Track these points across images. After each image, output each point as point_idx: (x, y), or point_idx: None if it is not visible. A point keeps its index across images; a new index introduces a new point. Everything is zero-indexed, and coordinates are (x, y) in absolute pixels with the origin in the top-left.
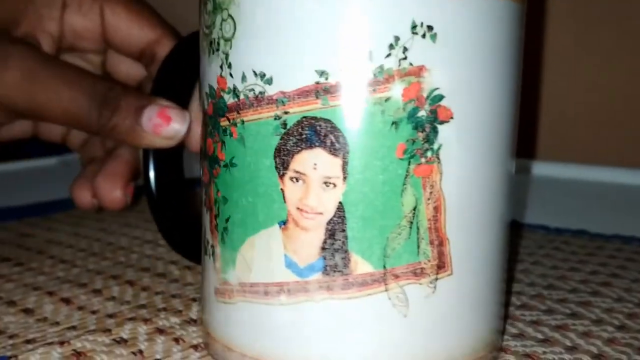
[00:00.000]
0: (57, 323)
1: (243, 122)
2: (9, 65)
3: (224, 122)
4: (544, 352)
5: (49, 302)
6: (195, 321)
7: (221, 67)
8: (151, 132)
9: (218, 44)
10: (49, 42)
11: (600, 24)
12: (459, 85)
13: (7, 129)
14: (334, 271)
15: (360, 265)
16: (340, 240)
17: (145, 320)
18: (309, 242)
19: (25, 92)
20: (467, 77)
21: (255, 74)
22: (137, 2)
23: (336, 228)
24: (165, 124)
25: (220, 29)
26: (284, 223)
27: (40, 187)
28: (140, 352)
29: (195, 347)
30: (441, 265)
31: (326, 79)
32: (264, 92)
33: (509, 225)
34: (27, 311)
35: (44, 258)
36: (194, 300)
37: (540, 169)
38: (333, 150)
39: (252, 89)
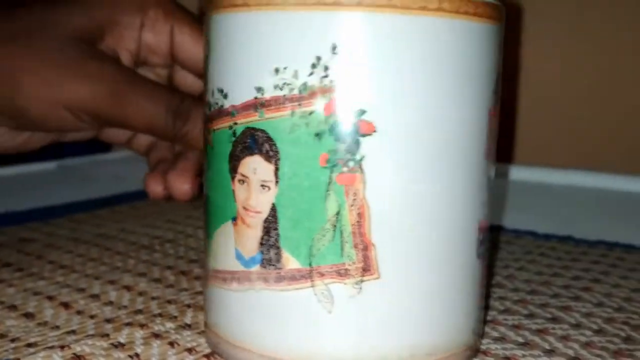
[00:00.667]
0: (57, 327)
1: (213, 131)
2: (102, 79)
3: (205, 131)
4: (523, 355)
5: (49, 306)
6: (190, 326)
7: (205, 85)
8: None
9: (205, 66)
10: (127, 57)
11: (578, 29)
12: (381, 101)
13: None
14: (269, 265)
15: (290, 262)
16: (273, 237)
17: (142, 325)
18: (251, 237)
19: (114, 105)
20: (390, 92)
21: (219, 91)
22: (201, 23)
23: (270, 226)
24: None
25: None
26: (234, 219)
27: (39, 191)
28: (137, 355)
29: (189, 350)
30: (367, 268)
31: (262, 94)
32: (223, 106)
33: (465, 232)
34: (28, 315)
35: (43, 263)
36: (188, 306)
37: (520, 173)
38: (267, 157)
39: (217, 103)
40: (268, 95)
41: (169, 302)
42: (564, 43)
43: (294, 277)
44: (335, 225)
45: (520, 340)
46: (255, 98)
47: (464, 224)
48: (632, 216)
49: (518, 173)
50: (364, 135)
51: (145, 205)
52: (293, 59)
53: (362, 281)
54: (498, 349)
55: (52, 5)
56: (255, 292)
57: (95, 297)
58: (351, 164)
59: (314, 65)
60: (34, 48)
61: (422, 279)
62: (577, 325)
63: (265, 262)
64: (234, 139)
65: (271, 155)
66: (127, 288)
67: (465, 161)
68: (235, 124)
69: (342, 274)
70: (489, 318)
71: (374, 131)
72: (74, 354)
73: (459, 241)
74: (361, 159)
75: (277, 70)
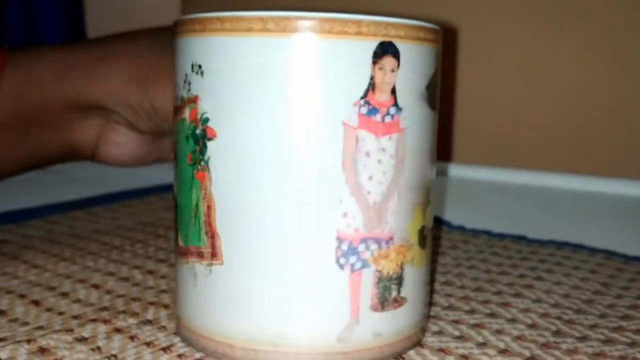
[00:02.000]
0: (27, 323)
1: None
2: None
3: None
4: (456, 347)
5: (20, 304)
6: (150, 321)
7: None
8: None
9: None
10: None
11: (515, 22)
12: (220, 110)
13: None
14: (175, 242)
15: (180, 240)
16: (176, 220)
17: (105, 321)
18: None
19: None
20: (227, 104)
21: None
22: None
23: (175, 211)
24: None
25: None
26: None
27: (16, 193)
28: (99, 348)
29: (148, 344)
30: (214, 254)
31: (176, 103)
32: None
33: (317, 239)
34: (0, 312)
35: (18, 263)
36: (151, 303)
37: (458, 170)
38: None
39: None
40: (175, 104)
41: (134, 299)
42: (497, 51)
43: (182, 253)
44: (195, 214)
45: (457, 333)
46: (175, 106)
47: (313, 231)
48: (587, 216)
49: (462, 171)
50: (209, 139)
51: (120, 207)
52: (177, 76)
53: (211, 264)
54: (434, 341)
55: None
56: (178, 264)
57: (64, 295)
58: (202, 163)
59: (184, 81)
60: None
61: (265, 271)
62: (512, 320)
63: (174, 239)
64: None
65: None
66: (96, 286)
67: (311, 177)
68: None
69: (200, 255)
70: (432, 313)
71: (215, 136)
72: (40, 347)
73: (309, 247)
74: (208, 159)
75: (175, 84)
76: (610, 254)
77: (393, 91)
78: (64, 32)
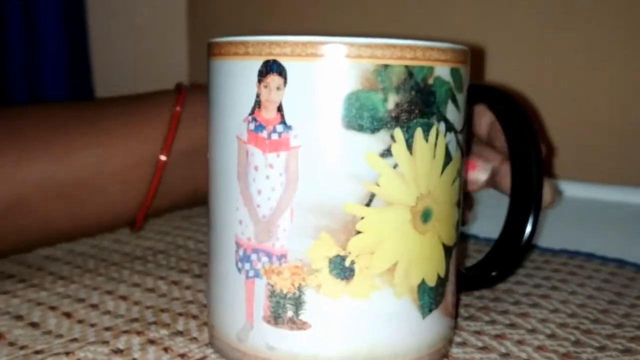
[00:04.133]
0: (61, 335)
1: None
2: None
3: None
4: (481, 358)
5: (52, 316)
6: (182, 332)
7: None
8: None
9: None
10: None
11: (519, 30)
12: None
13: None
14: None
15: None
16: None
17: (138, 333)
18: None
19: None
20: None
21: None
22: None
23: None
24: (470, 170)
25: None
26: None
27: None
28: None
29: (182, 355)
30: None
31: None
32: None
33: (221, 242)
34: (34, 325)
35: (44, 274)
36: (180, 314)
37: None
38: None
39: None
40: None
41: (162, 310)
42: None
43: None
44: None
45: (480, 344)
46: None
47: (220, 234)
48: (597, 225)
49: None
50: None
51: None
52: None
53: None
54: (459, 353)
55: None
56: None
57: (94, 306)
58: None
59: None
60: None
61: (210, 266)
62: (532, 330)
63: None
64: None
65: None
66: (123, 298)
67: (219, 182)
68: None
69: None
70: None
71: None
72: (79, 359)
73: (219, 250)
74: None
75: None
76: (621, 263)
77: (280, 109)
78: (64, 39)
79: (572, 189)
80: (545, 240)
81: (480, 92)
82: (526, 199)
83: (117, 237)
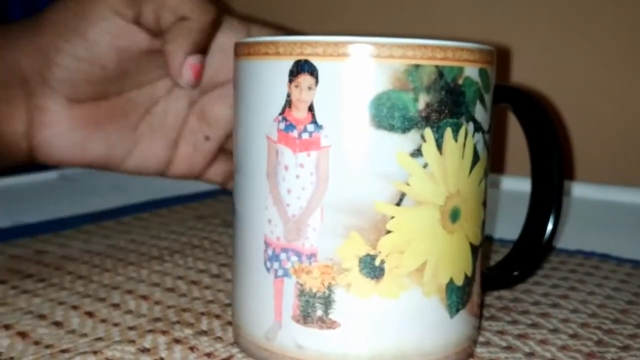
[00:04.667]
0: (85, 334)
1: None
2: None
3: None
4: (506, 358)
5: (75, 315)
6: (206, 332)
7: None
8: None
9: None
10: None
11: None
12: None
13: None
14: None
15: None
16: None
17: (163, 332)
18: None
19: None
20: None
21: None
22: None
23: None
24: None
25: None
26: None
27: (44, 202)
28: (162, 359)
29: (208, 354)
30: None
31: None
32: None
33: (250, 241)
34: (57, 324)
35: (62, 274)
36: (202, 314)
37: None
38: None
39: None
40: None
41: (184, 310)
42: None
43: None
44: None
45: (504, 344)
46: None
47: (248, 233)
48: (610, 226)
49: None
50: None
51: (150, 216)
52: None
53: None
54: (484, 352)
55: None
56: None
57: (115, 305)
58: None
59: None
60: None
61: (234, 265)
62: (554, 330)
63: None
64: None
65: None
66: (144, 297)
67: (247, 180)
68: None
69: None
70: None
71: None
72: (107, 358)
73: (247, 250)
74: None
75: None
76: (637, 264)
77: (311, 108)
78: None
79: (585, 191)
80: (561, 241)
81: (504, 93)
82: (547, 199)
83: (133, 237)
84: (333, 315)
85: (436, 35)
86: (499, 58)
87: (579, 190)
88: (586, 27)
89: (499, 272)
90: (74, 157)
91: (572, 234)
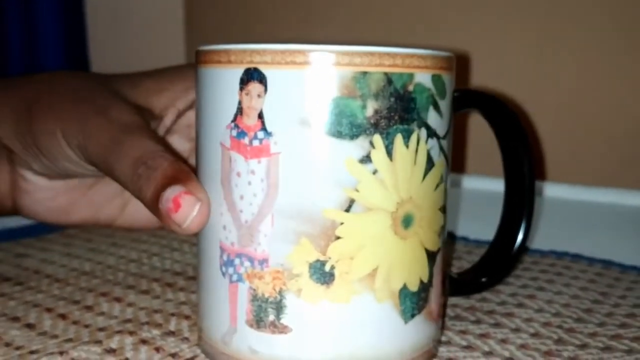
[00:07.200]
0: (56, 336)
1: None
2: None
3: None
4: (464, 357)
5: (48, 317)
6: (174, 333)
7: None
8: (165, 215)
9: None
10: (173, 116)
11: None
12: None
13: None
14: None
15: None
16: None
17: (131, 333)
18: None
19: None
20: None
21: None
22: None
23: None
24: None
25: None
26: None
27: None
28: (127, 359)
29: (173, 355)
30: None
31: None
32: None
33: (207, 247)
34: (30, 326)
35: (40, 277)
36: (172, 315)
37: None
38: None
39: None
40: None
41: (155, 311)
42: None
43: None
44: None
45: (464, 343)
46: None
47: (207, 238)
48: (584, 226)
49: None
50: None
51: None
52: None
53: None
54: (443, 351)
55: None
56: None
57: (89, 308)
58: None
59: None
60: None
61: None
62: (516, 330)
63: None
64: None
65: None
66: (118, 299)
67: (205, 187)
68: None
69: None
70: None
71: None
72: (72, 358)
73: (206, 255)
74: None
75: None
76: (607, 264)
77: (261, 116)
78: (63, 35)
79: (560, 191)
80: (534, 241)
81: (470, 97)
82: (519, 206)
83: (114, 240)
84: (285, 320)
85: (395, 43)
86: (459, 64)
87: (552, 190)
88: (553, 26)
89: (468, 277)
90: (60, 220)
91: (545, 234)
